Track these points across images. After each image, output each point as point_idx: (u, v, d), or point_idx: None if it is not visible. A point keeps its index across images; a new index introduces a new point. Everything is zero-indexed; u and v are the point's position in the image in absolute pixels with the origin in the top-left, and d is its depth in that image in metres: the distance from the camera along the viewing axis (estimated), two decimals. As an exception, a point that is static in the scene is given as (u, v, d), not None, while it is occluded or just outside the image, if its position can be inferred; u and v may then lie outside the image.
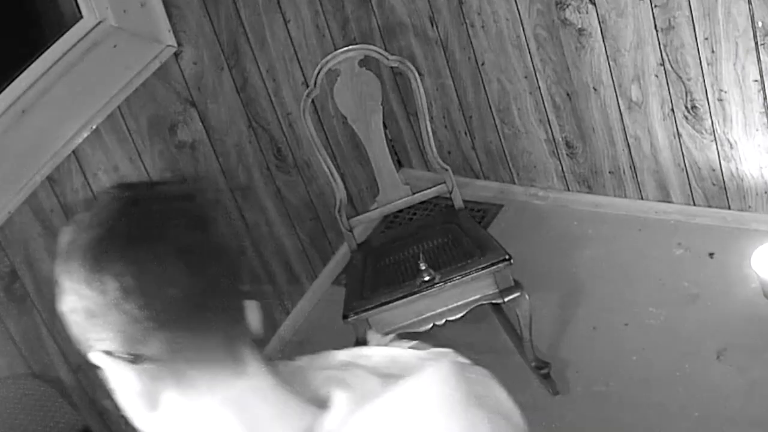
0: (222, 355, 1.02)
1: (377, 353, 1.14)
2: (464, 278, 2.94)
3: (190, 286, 0.99)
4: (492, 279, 2.96)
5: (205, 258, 1.02)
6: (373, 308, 2.94)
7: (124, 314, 0.97)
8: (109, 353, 0.99)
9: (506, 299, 2.99)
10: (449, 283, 2.93)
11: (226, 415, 1.01)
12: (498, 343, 3.32)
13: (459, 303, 2.98)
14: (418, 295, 2.94)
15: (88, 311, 0.99)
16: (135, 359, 0.99)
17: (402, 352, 1.15)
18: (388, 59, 3.15)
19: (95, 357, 1.01)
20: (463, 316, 3.01)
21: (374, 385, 1.05)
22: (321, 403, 1.03)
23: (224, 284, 1.03)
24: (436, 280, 2.93)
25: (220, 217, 1.06)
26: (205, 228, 1.05)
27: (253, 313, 1.06)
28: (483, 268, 2.94)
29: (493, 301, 3.03)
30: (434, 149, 3.22)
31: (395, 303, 2.94)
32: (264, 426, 1.02)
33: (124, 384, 1.01)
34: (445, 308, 2.98)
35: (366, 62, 3.19)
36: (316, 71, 3.09)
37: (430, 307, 2.98)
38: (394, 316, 2.97)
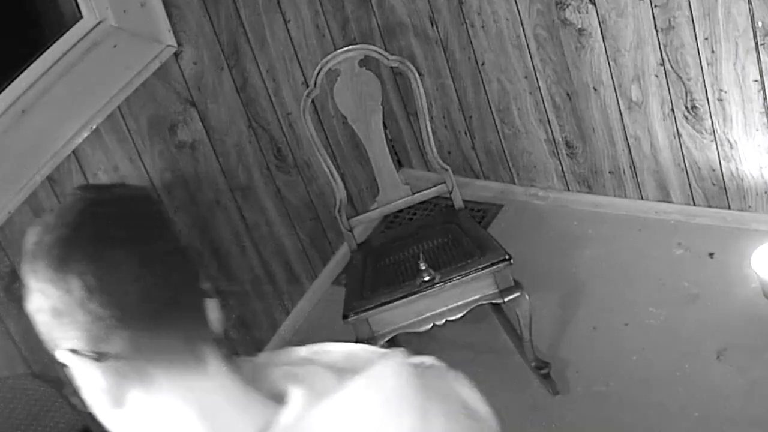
0: (183, 353, 1.04)
1: (336, 349, 1.16)
2: (464, 278, 2.94)
3: (152, 285, 1.02)
4: (492, 279, 2.96)
5: (165, 258, 1.05)
6: (372, 308, 2.94)
7: (88, 313, 1.00)
8: (74, 351, 1.02)
9: (506, 299, 2.98)
10: (449, 283, 2.93)
11: (186, 413, 1.04)
12: (498, 343, 3.32)
13: (459, 303, 2.98)
14: (418, 295, 2.94)
15: (54, 310, 1.02)
16: (99, 357, 1.01)
17: (359, 348, 1.17)
18: (388, 59, 3.15)
19: (61, 355, 1.03)
20: (463, 316, 3.01)
21: (330, 381, 1.07)
22: (279, 399, 1.06)
23: (185, 284, 1.06)
24: (436, 280, 2.92)
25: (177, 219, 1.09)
26: (165, 229, 1.08)
27: (213, 312, 1.09)
28: (483, 268, 2.94)
29: (493, 301, 3.02)
30: (434, 149, 3.22)
31: (395, 303, 2.94)
32: (223, 422, 1.04)
33: (90, 381, 1.04)
34: (445, 308, 2.98)
35: (366, 62, 3.19)
36: (316, 71, 3.09)
37: (430, 307, 2.98)
38: (393, 316, 2.97)
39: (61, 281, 1.00)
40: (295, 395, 1.05)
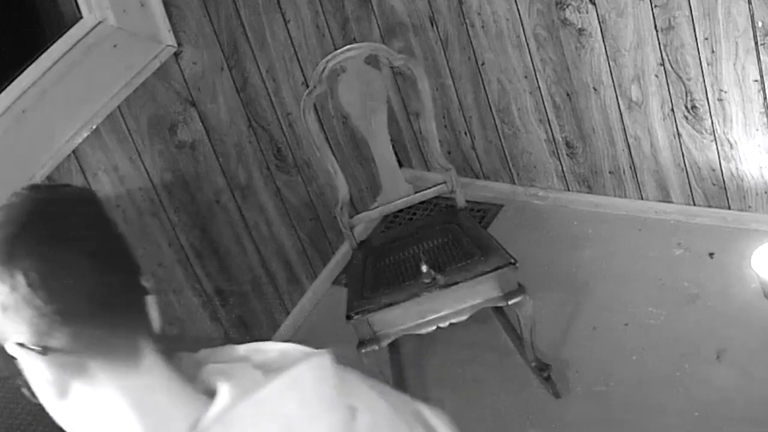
0: (121, 350, 1.09)
1: (272, 348, 1.20)
2: (469, 281, 2.92)
3: (93, 284, 1.06)
4: (496, 282, 2.94)
5: (107, 258, 1.09)
6: (376, 310, 2.92)
7: (33, 308, 1.04)
8: (21, 345, 1.06)
9: (510, 302, 2.96)
10: (453, 287, 2.91)
11: (122, 406, 1.08)
12: (498, 343, 3.32)
13: (463, 306, 2.96)
14: (421, 297, 2.92)
15: (2, 305, 1.06)
16: (44, 351, 1.06)
17: (292, 347, 1.20)
18: (394, 58, 3.13)
19: (10, 348, 1.08)
20: (466, 320, 2.99)
21: (257, 377, 1.11)
22: (211, 395, 1.10)
23: (125, 282, 1.11)
24: (440, 282, 2.91)
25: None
26: (107, 229, 1.12)
27: (153, 309, 1.13)
28: (488, 272, 2.92)
29: (497, 305, 3.00)
30: (438, 149, 3.22)
31: (399, 305, 2.92)
32: (157, 416, 1.09)
33: (36, 373, 1.09)
34: (448, 311, 2.96)
35: (369, 61, 3.18)
36: (319, 69, 3.07)
37: (433, 310, 2.96)
38: (397, 318, 2.95)
39: (8, 277, 1.04)
40: (223, 391, 1.09)
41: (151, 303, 1.13)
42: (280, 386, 1.10)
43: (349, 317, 2.93)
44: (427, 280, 2.91)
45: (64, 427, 1.13)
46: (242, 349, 1.19)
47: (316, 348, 1.20)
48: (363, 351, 2.93)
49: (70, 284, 1.05)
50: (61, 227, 1.07)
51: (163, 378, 1.10)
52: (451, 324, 2.98)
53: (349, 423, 1.13)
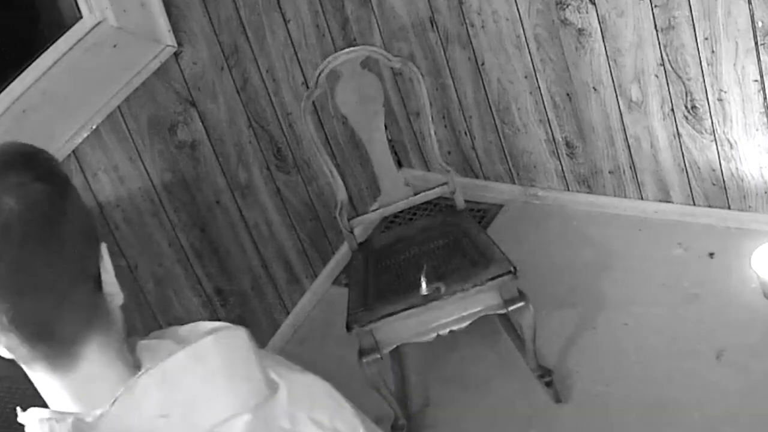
0: (61, 356, 1.14)
1: (206, 327, 1.23)
2: (468, 291, 2.90)
3: (39, 300, 1.10)
4: (496, 290, 2.92)
5: (58, 272, 1.11)
6: (376, 320, 2.91)
7: None
8: None
9: (510, 309, 2.94)
10: (453, 296, 2.90)
11: (60, 391, 1.15)
12: (499, 343, 3.32)
13: (463, 314, 2.94)
14: (422, 307, 2.90)
15: None
16: None
17: (223, 326, 1.23)
18: (390, 60, 3.14)
19: None
20: (466, 327, 2.98)
21: (174, 352, 1.16)
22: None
23: (75, 291, 1.12)
24: (442, 291, 2.89)
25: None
26: (59, 252, 1.11)
27: (109, 276, 1.16)
28: (488, 281, 2.90)
29: (497, 312, 2.99)
30: (437, 150, 3.22)
31: (398, 315, 2.90)
32: (92, 399, 1.14)
33: None
34: (449, 319, 2.95)
35: (366, 63, 3.19)
36: (318, 71, 3.08)
37: (434, 319, 2.94)
38: (397, 327, 2.93)
39: None
40: (144, 367, 1.15)
41: (106, 272, 1.15)
42: (182, 358, 1.14)
43: (349, 328, 2.91)
44: (428, 293, 2.88)
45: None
46: (184, 329, 1.23)
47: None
48: (364, 360, 2.92)
49: (13, 297, 1.08)
50: (17, 249, 1.08)
51: (103, 370, 1.15)
52: (451, 331, 2.97)
53: (264, 396, 1.16)
